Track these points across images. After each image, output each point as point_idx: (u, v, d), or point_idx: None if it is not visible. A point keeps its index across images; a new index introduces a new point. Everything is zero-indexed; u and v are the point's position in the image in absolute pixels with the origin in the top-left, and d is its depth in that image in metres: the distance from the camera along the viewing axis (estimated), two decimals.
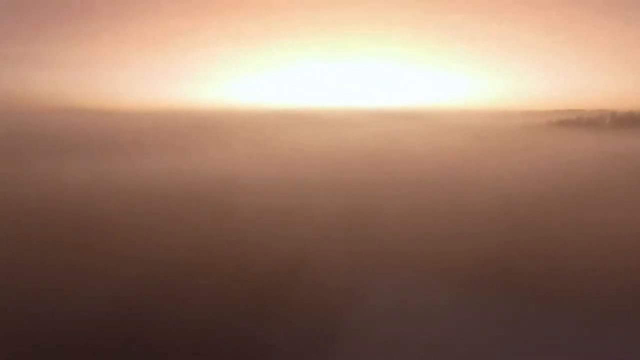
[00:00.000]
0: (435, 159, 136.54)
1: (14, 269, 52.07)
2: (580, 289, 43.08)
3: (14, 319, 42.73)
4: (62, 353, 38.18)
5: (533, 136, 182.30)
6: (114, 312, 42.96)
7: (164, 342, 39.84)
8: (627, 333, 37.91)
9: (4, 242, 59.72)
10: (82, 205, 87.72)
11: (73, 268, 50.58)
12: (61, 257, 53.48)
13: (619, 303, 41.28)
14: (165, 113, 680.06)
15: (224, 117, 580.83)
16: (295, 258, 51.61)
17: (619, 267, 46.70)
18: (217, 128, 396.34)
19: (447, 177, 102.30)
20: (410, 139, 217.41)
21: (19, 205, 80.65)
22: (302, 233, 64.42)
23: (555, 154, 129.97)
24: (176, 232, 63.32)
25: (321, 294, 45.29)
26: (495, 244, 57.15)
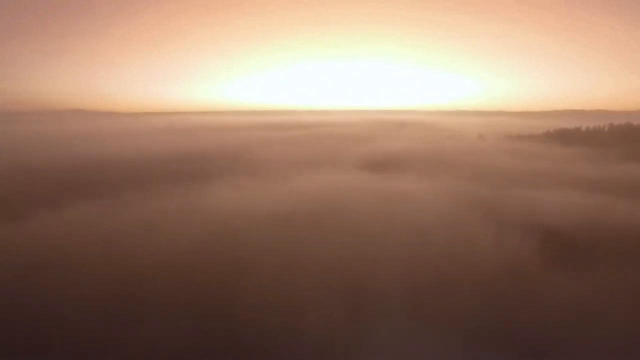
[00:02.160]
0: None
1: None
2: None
3: None
4: None
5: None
6: None
7: None
8: None
9: None
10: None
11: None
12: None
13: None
14: (165, 113, 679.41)
15: (224, 117, 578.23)
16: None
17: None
18: (217, 128, 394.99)
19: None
20: (412, 143, 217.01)
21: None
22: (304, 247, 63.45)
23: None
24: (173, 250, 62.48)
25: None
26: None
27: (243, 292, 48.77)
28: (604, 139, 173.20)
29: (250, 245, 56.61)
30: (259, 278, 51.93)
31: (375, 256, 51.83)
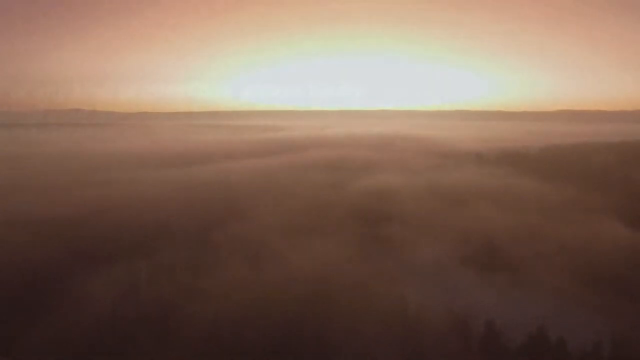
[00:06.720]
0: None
1: None
2: None
3: None
4: None
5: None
6: None
7: None
8: None
9: None
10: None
11: None
12: None
13: None
14: (163, 114, 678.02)
15: (225, 117, 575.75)
16: None
17: None
18: (217, 127, 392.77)
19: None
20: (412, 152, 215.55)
21: None
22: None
23: None
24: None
25: None
26: None
27: None
28: (601, 174, 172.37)
29: None
30: None
31: None
